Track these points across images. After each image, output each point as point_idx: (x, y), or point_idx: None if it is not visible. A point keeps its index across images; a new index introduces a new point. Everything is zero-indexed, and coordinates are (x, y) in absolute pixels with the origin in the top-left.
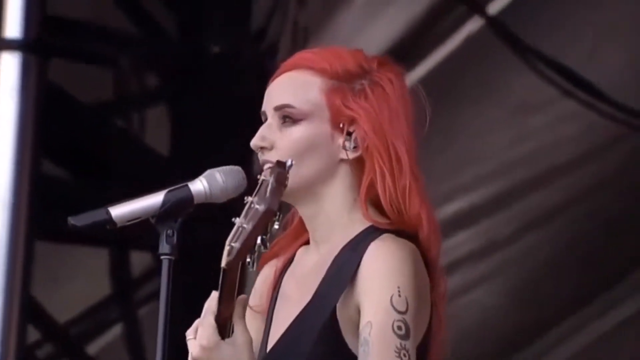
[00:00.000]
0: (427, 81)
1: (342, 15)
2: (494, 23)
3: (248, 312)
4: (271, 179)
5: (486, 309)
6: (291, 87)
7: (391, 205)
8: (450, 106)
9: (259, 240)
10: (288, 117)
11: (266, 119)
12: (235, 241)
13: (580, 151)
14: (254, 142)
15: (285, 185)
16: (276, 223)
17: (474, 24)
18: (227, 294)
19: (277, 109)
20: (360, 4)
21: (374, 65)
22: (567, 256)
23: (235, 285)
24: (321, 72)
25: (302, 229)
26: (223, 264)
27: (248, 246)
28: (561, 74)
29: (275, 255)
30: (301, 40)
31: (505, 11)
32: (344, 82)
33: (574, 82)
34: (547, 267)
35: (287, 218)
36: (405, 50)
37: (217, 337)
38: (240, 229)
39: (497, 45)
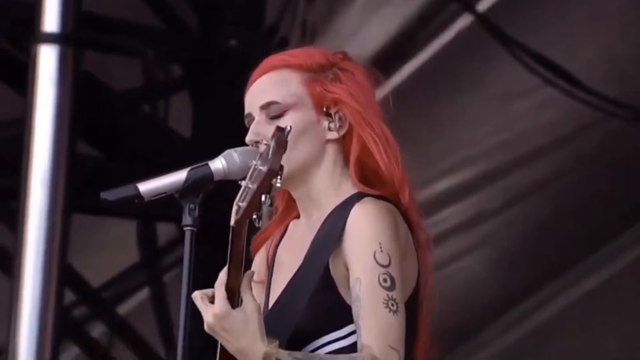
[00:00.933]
0: (421, 73)
1: (345, 13)
2: (482, 19)
3: (252, 286)
4: (272, 143)
5: (474, 274)
6: (272, 85)
7: (373, 172)
8: (443, 95)
9: (263, 198)
10: (275, 113)
11: (251, 121)
12: (242, 200)
13: (559, 134)
14: (249, 138)
15: (285, 147)
16: (278, 181)
17: (464, 21)
18: (236, 257)
19: (263, 107)
20: (361, 3)
21: (337, 58)
22: (546, 228)
23: (243, 248)
24: (297, 67)
25: (287, 213)
26: (232, 222)
27: (254, 204)
28: (543, 65)
29: (267, 239)
30: (309, 35)
31: (493, 8)
32: (318, 73)
33: (554, 73)
34: (528, 237)
35: (272, 209)
36: (402, 45)
37: (227, 306)
38: (247, 189)
39: (486, 39)
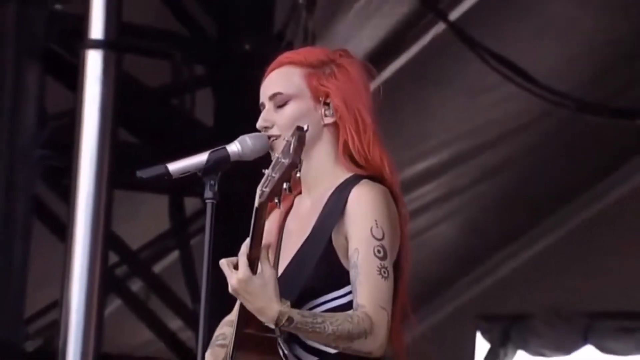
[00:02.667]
0: (403, 71)
1: (340, 22)
2: (454, 27)
3: None
4: (293, 139)
5: (447, 240)
6: (278, 79)
7: (359, 154)
8: (421, 89)
9: (284, 186)
10: (280, 102)
11: (264, 108)
12: (266, 187)
13: (518, 122)
14: (259, 124)
15: (304, 144)
16: (298, 173)
17: (438, 28)
18: (258, 232)
19: (271, 97)
20: (354, 13)
21: (337, 55)
22: (507, 200)
23: (263, 224)
24: (299, 64)
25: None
26: (256, 204)
27: (276, 190)
28: (504, 65)
29: (273, 208)
30: (310, 39)
31: (462, 17)
32: (317, 68)
33: (514, 71)
34: (492, 208)
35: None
36: (388, 48)
37: (249, 272)
38: (270, 177)
39: (456, 43)
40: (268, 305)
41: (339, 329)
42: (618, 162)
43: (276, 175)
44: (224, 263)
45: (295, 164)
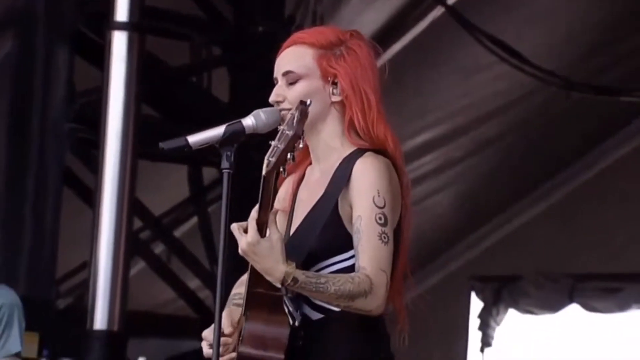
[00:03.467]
0: (404, 53)
1: (346, 6)
2: (452, 10)
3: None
4: (297, 113)
5: (444, 207)
6: (291, 57)
7: (363, 131)
8: (421, 69)
9: (289, 156)
10: (292, 79)
11: (277, 82)
12: (272, 157)
13: (510, 99)
14: (272, 99)
15: (307, 117)
16: (301, 143)
17: (437, 11)
18: (266, 198)
19: (284, 74)
20: None
21: (347, 36)
22: (499, 172)
23: (271, 192)
24: (311, 45)
25: (301, 158)
26: (263, 173)
27: (281, 160)
28: (498, 46)
29: (288, 174)
30: (318, 22)
31: (460, 1)
32: (328, 49)
33: (507, 52)
34: (485, 179)
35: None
36: (389, 31)
37: (257, 236)
38: (275, 148)
39: (454, 26)
40: (274, 266)
41: (341, 288)
42: (602, 136)
43: (281, 146)
44: (234, 227)
45: (298, 136)
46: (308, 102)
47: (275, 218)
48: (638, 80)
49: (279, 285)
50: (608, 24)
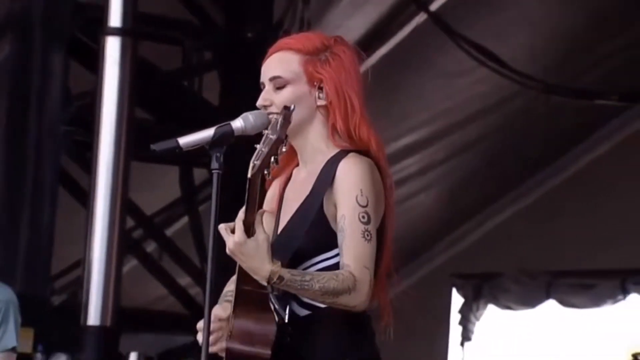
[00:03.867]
0: (388, 57)
1: (332, 12)
2: (434, 16)
3: (265, 214)
4: (280, 118)
5: (426, 207)
6: (278, 63)
7: (346, 134)
8: (405, 73)
9: (272, 159)
10: (279, 84)
11: (264, 87)
12: (257, 160)
13: (489, 103)
14: (259, 103)
15: (290, 122)
16: (284, 147)
17: (420, 18)
18: (252, 200)
19: (271, 79)
20: (345, 4)
21: (332, 42)
22: (479, 173)
23: (257, 193)
24: (297, 50)
25: (287, 161)
26: (249, 175)
27: (265, 162)
28: (479, 51)
29: (276, 176)
30: (305, 28)
31: (442, 8)
32: (314, 55)
33: (487, 57)
34: (466, 180)
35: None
36: (375, 36)
37: (244, 236)
38: (260, 151)
39: (436, 31)
40: (260, 265)
41: (325, 285)
42: (578, 138)
43: (265, 150)
44: (222, 227)
45: (281, 140)
46: (292, 107)
47: (261, 219)
48: (613, 84)
49: (265, 284)
50: (585, 29)
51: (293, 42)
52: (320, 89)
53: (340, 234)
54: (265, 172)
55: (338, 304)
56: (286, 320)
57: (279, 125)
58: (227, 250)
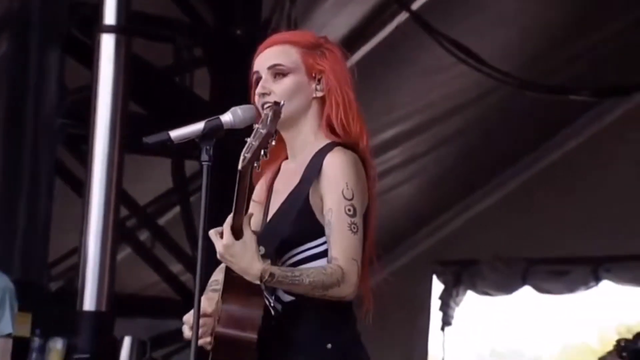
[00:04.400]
0: (371, 54)
1: (318, 11)
2: (415, 15)
3: (254, 205)
4: (270, 113)
5: (408, 197)
6: (279, 53)
7: (340, 126)
8: (388, 69)
9: (262, 152)
10: (280, 73)
11: (258, 77)
12: (247, 152)
13: (467, 98)
14: (258, 91)
15: (279, 117)
16: (273, 141)
17: (402, 16)
18: (242, 191)
19: (270, 67)
20: (330, 3)
21: (322, 40)
22: (458, 165)
23: (247, 185)
24: (296, 43)
25: (276, 154)
26: (239, 167)
27: (255, 155)
28: (458, 48)
29: (264, 169)
30: (292, 27)
31: (423, 7)
32: (310, 49)
33: (466, 54)
34: (446, 171)
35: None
36: (358, 34)
37: (232, 239)
38: (251, 144)
39: (417, 29)
40: (250, 265)
41: (315, 280)
42: (552, 132)
43: (255, 143)
44: (212, 233)
45: (271, 134)
46: (282, 102)
47: (249, 221)
48: (585, 80)
49: (257, 282)
50: (558, 29)
51: (290, 36)
52: (319, 81)
53: (328, 227)
54: (255, 164)
55: (328, 296)
56: (271, 305)
57: (269, 120)
58: (218, 255)
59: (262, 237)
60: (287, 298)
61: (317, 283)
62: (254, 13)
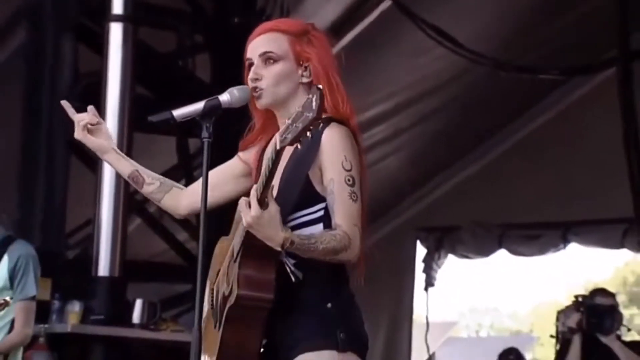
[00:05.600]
0: (358, 39)
1: (308, 0)
2: (397, 3)
3: (237, 161)
4: (315, 97)
5: (393, 169)
6: (270, 41)
7: (330, 108)
8: (373, 52)
9: (308, 134)
10: (270, 59)
11: (250, 64)
12: (288, 134)
13: (447, 77)
14: (250, 77)
15: (325, 100)
16: (320, 125)
17: (385, 4)
18: (273, 172)
19: (262, 54)
20: None
21: (310, 27)
22: (439, 139)
23: (277, 166)
24: (285, 31)
25: (264, 127)
26: (278, 146)
27: (298, 137)
28: (437, 32)
29: (250, 142)
30: (285, 14)
31: None
32: (298, 37)
33: (444, 37)
34: (428, 145)
35: (249, 126)
36: (345, 21)
37: (259, 210)
38: (292, 126)
39: (399, 16)
40: (275, 234)
41: (328, 246)
42: (524, 108)
43: (300, 126)
44: (242, 202)
45: (319, 117)
46: (320, 86)
47: (272, 193)
48: (552, 61)
49: (279, 249)
50: (530, 13)
51: (280, 24)
52: (305, 68)
53: (330, 197)
54: (298, 145)
55: (337, 259)
56: (292, 270)
57: (314, 104)
58: (245, 223)
59: None
60: (291, 261)
61: (329, 249)
62: (250, 3)
